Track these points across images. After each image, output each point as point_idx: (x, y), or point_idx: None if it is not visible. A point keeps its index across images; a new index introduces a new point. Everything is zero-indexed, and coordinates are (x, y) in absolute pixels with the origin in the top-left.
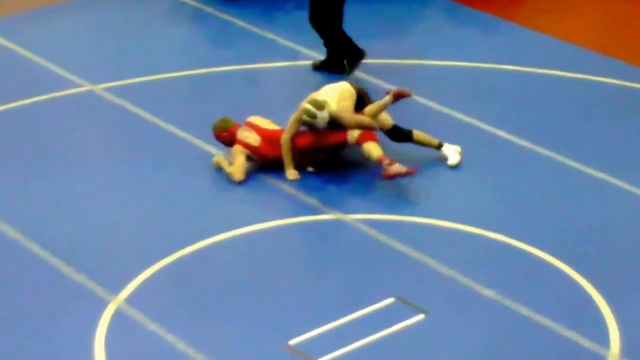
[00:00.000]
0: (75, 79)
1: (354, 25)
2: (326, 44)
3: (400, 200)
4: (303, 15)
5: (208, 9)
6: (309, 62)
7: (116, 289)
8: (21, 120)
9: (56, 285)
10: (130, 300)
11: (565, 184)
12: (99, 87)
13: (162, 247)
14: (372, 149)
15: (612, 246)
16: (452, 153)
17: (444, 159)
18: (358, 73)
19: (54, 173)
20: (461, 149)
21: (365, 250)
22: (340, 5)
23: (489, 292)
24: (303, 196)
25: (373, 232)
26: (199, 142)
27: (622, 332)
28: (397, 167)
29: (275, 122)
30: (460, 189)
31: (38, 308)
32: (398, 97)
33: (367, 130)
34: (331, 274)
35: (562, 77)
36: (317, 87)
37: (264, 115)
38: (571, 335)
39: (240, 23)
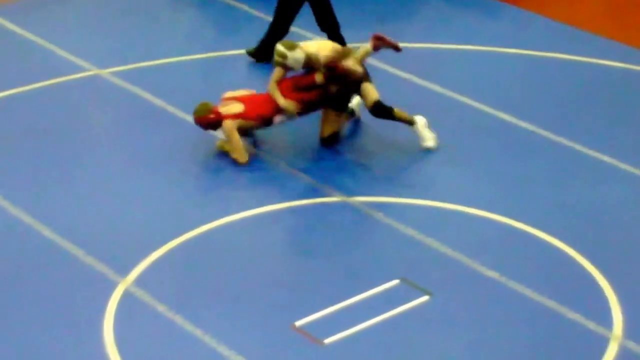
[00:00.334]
0: (82, 63)
1: (359, 9)
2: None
3: (405, 183)
4: None
5: None
6: None
7: (125, 271)
8: (29, 104)
9: (66, 268)
10: (139, 282)
11: (569, 167)
12: (105, 72)
13: (170, 229)
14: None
15: (615, 228)
16: (427, 135)
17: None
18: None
19: (62, 157)
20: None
21: (371, 233)
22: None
23: (492, 274)
24: (309, 179)
25: (379, 215)
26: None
27: (625, 314)
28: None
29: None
30: (465, 171)
31: (49, 290)
32: (378, 44)
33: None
34: (337, 256)
35: (566, 60)
36: None
37: None
38: (574, 317)
39: (245, 8)
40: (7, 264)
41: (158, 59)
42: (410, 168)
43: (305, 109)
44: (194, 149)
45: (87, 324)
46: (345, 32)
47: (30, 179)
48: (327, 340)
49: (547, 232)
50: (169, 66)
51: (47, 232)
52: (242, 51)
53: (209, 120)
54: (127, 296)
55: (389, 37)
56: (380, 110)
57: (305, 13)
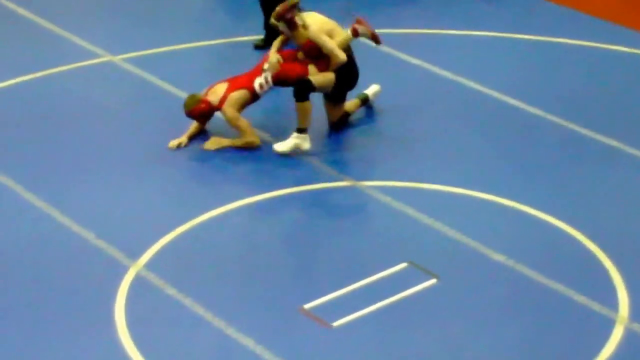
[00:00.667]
0: (95, 49)
1: None
2: None
3: (413, 167)
4: None
5: None
6: None
7: (135, 255)
8: (42, 90)
9: (77, 252)
10: (150, 265)
11: (576, 151)
12: (118, 58)
13: (180, 214)
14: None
15: (622, 212)
16: (285, 146)
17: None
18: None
19: (75, 143)
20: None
21: (379, 217)
22: None
23: (499, 257)
24: (317, 163)
25: (387, 199)
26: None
27: (631, 296)
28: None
29: None
30: (473, 156)
31: (61, 273)
32: (358, 28)
33: (333, 58)
34: (345, 240)
35: (574, 45)
36: None
37: None
38: (581, 299)
39: None
40: (19, 247)
41: (170, 45)
42: (417, 152)
43: (281, 77)
44: (205, 136)
45: (98, 307)
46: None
47: (43, 164)
48: (335, 323)
49: (553, 215)
50: (182, 52)
51: (58, 216)
52: (255, 37)
53: (201, 110)
54: (137, 280)
55: (371, 26)
56: (303, 86)
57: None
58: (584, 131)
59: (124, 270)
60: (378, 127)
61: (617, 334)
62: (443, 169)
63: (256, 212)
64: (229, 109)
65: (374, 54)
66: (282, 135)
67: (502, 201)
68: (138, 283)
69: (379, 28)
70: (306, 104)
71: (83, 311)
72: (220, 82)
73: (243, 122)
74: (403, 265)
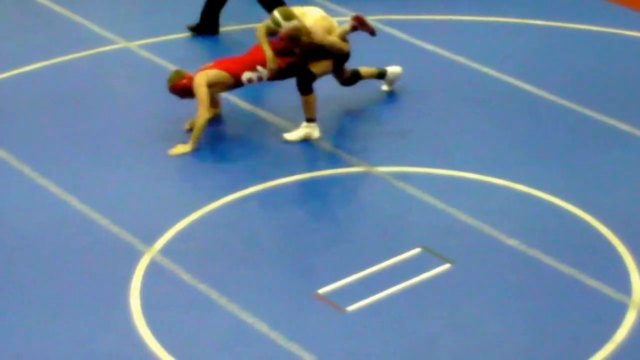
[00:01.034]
0: (110, 36)
1: None
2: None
3: (427, 152)
4: None
5: None
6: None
7: (150, 240)
8: (59, 76)
9: (93, 237)
10: (164, 251)
11: (587, 135)
12: (133, 44)
13: (195, 199)
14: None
15: (635, 196)
16: (293, 137)
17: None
18: (388, 28)
19: (90, 129)
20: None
21: (393, 202)
22: None
23: (513, 242)
24: (331, 149)
25: (400, 184)
26: (233, 98)
27: None
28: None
29: None
30: (485, 141)
31: (76, 258)
32: (356, 25)
33: (337, 52)
34: (359, 225)
35: (586, 30)
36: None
37: None
38: (594, 283)
39: None
40: (36, 233)
41: (186, 31)
42: (431, 138)
43: (279, 73)
44: (219, 120)
45: (113, 292)
46: (373, 4)
47: (58, 150)
48: (349, 308)
49: (565, 199)
50: (196, 39)
51: (74, 202)
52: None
53: (183, 86)
54: (152, 265)
55: (369, 21)
56: (306, 79)
57: None
58: (597, 115)
59: (139, 255)
60: (392, 113)
61: (630, 318)
62: (456, 153)
63: (270, 197)
64: (201, 76)
65: (388, 40)
66: (298, 120)
67: (515, 186)
68: (153, 268)
69: (392, 14)
70: (311, 96)
71: (98, 296)
72: (206, 66)
73: (204, 92)
74: (417, 250)
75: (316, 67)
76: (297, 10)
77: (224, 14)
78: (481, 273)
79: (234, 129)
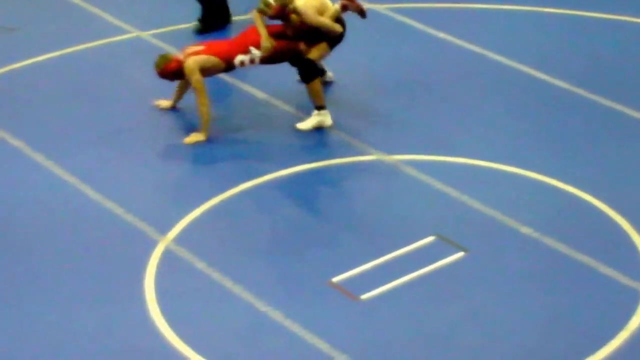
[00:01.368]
0: (123, 25)
1: None
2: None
3: (441, 140)
4: None
5: None
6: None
7: (165, 229)
8: (73, 66)
9: (107, 226)
10: (179, 239)
11: (603, 124)
12: (146, 34)
13: (209, 188)
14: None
15: None
16: (309, 124)
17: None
18: (401, 17)
19: (104, 118)
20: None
21: (407, 190)
22: None
23: (527, 230)
24: (345, 137)
25: (414, 172)
26: (245, 86)
27: None
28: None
29: None
30: (500, 129)
31: (91, 247)
32: (346, 4)
33: (330, 33)
34: (373, 214)
35: (603, 19)
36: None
37: None
38: (608, 271)
39: None
40: (50, 222)
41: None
42: (445, 126)
43: (273, 56)
44: (233, 109)
45: (128, 281)
46: None
47: (73, 139)
48: (364, 296)
49: (580, 188)
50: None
51: (88, 191)
52: None
53: (172, 69)
54: (167, 254)
55: (358, 1)
56: (306, 67)
57: None
58: (613, 105)
59: (154, 244)
60: (405, 101)
61: None
62: (471, 142)
63: (284, 186)
64: (192, 62)
65: (401, 29)
66: (309, 108)
67: (529, 174)
68: (167, 257)
69: (405, 2)
70: (315, 83)
71: (113, 285)
72: (197, 44)
73: (199, 80)
74: (431, 238)
75: (313, 53)
76: None
77: (240, 4)
78: (495, 261)
79: (247, 118)
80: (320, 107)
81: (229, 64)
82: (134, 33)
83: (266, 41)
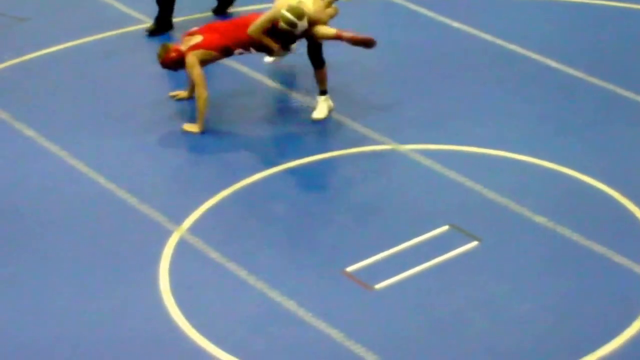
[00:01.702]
0: (136, 15)
1: None
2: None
3: (454, 130)
4: None
5: None
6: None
7: (179, 219)
8: (84, 56)
9: (122, 216)
10: (193, 229)
11: (616, 112)
12: None
13: (223, 178)
14: (323, 29)
15: None
16: (321, 108)
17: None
18: (412, 5)
19: (117, 108)
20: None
21: (420, 180)
22: None
23: (540, 219)
24: (358, 127)
25: (427, 162)
26: (258, 76)
27: None
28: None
29: None
30: (513, 118)
31: (106, 237)
32: (341, 38)
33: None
34: (386, 203)
35: (613, 7)
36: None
37: None
38: (621, 260)
39: None
40: (65, 212)
41: (207, 10)
42: (458, 115)
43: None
44: (247, 99)
45: (142, 271)
46: None
47: (87, 129)
48: (378, 286)
49: (594, 176)
50: (218, 17)
51: (102, 181)
52: None
53: (173, 59)
54: (181, 244)
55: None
56: (316, 51)
57: None
58: (624, 92)
59: (168, 234)
60: (418, 91)
61: None
62: (484, 131)
63: (298, 176)
64: (192, 56)
65: (414, 17)
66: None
67: (542, 163)
68: (181, 247)
69: None
70: (325, 66)
71: (128, 275)
72: (196, 31)
73: (199, 73)
74: (445, 228)
75: (317, 34)
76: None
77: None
78: (509, 250)
79: (260, 108)
80: (324, 92)
81: (227, 54)
82: (147, 23)
83: (278, 51)
